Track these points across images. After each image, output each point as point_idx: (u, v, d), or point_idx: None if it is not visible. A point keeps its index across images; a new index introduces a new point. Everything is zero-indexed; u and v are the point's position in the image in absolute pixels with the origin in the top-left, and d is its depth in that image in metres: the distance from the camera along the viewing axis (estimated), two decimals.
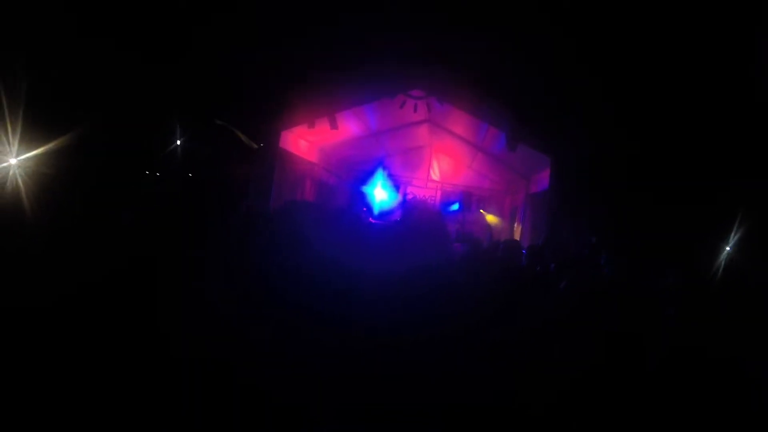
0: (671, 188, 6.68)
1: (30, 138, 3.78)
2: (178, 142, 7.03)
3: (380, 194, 13.24)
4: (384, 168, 13.58)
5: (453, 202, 13.62)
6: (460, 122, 10.91)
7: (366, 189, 13.45)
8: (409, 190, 14.32)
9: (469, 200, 13.39)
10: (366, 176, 13.62)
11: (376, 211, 12.75)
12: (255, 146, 8.77)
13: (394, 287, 2.93)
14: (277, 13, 7.56)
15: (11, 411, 1.89)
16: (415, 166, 14.37)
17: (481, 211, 13.42)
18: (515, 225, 11.98)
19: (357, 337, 2.50)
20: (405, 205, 12.42)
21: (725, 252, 4.82)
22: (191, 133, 7.18)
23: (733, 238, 4.99)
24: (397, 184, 14.02)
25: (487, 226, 12.56)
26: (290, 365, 2.23)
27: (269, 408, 2.12)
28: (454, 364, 2.56)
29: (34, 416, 1.90)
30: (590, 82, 7.54)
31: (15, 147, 3.71)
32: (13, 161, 3.72)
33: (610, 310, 3.56)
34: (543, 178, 9.10)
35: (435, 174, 14.37)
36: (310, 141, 11.77)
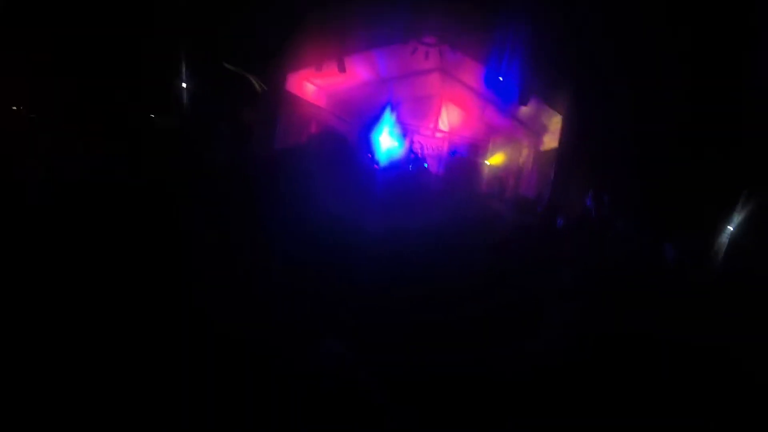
0: (688, 151, 6.54)
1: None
2: (184, 85, 6.85)
3: (386, 141, 13.03)
4: (391, 112, 13.30)
5: (459, 153, 13.44)
6: (472, 72, 10.60)
7: (372, 135, 13.22)
8: (415, 138, 14.09)
9: (476, 153, 13.21)
10: (373, 122, 13.36)
11: (381, 158, 12.59)
12: (263, 88, 8.56)
13: (399, 245, 2.88)
14: None
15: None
16: (424, 114, 14.09)
17: (487, 162, 13.23)
18: (522, 180, 11.84)
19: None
20: (416, 159, 12.27)
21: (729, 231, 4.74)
22: (197, 73, 6.99)
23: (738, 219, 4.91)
24: (404, 132, 13.77)
25: (497, 180, 12.37)
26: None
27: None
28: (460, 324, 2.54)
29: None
30: (609, 37, 7.27)
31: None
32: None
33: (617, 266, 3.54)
34: (553, 136, 8.92)
35: (443, 124, 14.11)
36: (317, 84, 11.50)
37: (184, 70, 6.60)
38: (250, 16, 7.72)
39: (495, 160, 13.29)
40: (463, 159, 13.23)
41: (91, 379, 1.90)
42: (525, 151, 12.06)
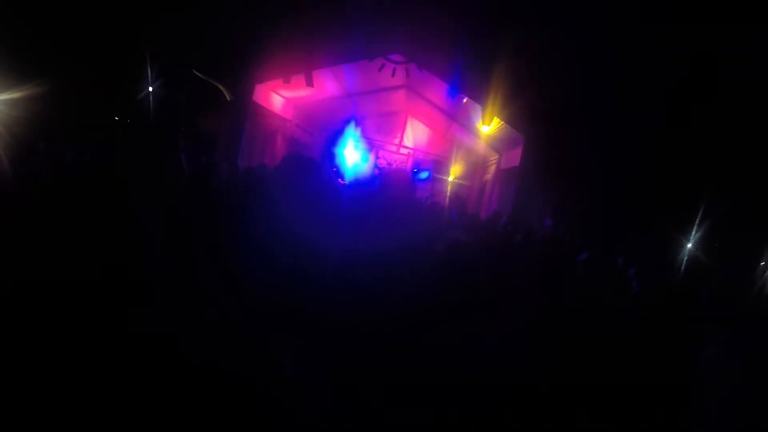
0: (650, 168, 6.83)
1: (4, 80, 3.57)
2: (150, 88, 6.76)
3: (352, 156, 13.09)
4: (357, 127, 13.40)
5: (423, 170, 13.59)
6: (437, 91, 10.81)
7: (338, 149, 13.28)
8: (380, 154, 14.21)
9: (440, 169, 13.40)
10: (339, 136, 13.42)
11: (346, 173, 12.63)
12: (230, 97, 8.53)
13: (367, 267, 2.87)
14: None
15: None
16: (389, 130, 14.25)
17: (450, 179, 13.38)
18: (485, 198, 12.06)
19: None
20: (380, 176, 12.27)
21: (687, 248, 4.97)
22: (164, 77, 6.92)
23: (696, 235, 5.16)
24: (369, 147, 13.89)
25: (458, 197, 12.53)
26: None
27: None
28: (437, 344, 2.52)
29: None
30: (569, 65, 7.56)
31: None
32: None
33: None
34: (515, 155, 9.16)
35: (408, 140, 14.29)
36: (285, 97, 11.51)
37: (151, 74, 6.52)
38: (221, 25, 7.70)
39: (458, 177, 13.50)
40: (424, 175, 13.37)
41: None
42: (489, 169, 12.31)
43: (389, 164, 13.75)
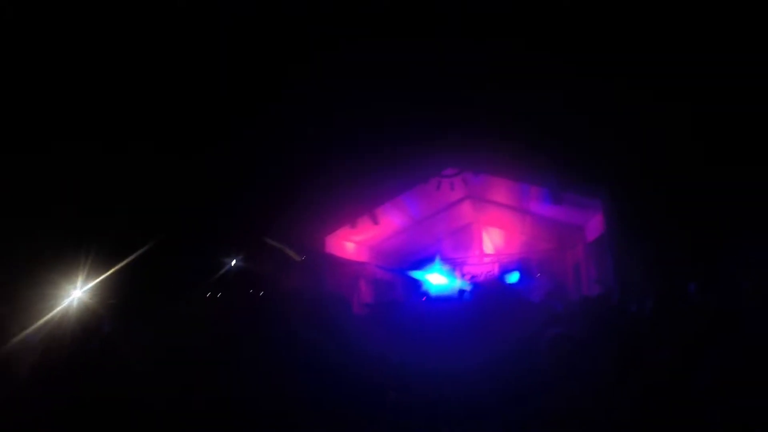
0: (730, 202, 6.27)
1: (96, 267, 3.91)
2: (233, 263, 7.27)
3: (437, 280, 12.90)
4: (436, 254, 13.35)
5: (511, 273, 13.06)
6: (499, 190, 10.74)
7: (421, 278, 13.16)
8: (465, 270, 13.93)
9: (529, 267, 12.85)
10: (419, 265, 13.38)
11: (435, 297, 12.38)
12: (299, 259, 8.86)
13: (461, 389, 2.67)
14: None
15: None
16: (466, 244, 14.08)
17: (540, 272, 12.74)
18: (582, 277, 11.28)
19: None
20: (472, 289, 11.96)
21: None
22: (244, 253, 7.40)
23: None
24: (452, 267, 13.67)
25: (555, 286, 11.79)
26: None
27: None
28: None
29: None
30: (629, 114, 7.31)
31: (82, 278, 3.84)
32: (77, 292, 3.83)
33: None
34: (597, 224, 8.67)
35: (488, 248, 14.01)
36: (356, 241, 11.78)
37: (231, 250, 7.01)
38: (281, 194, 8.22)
39: (548, 266, 12.85)
40: (514, 278, 12.84)
41: None
42: (576, 247, 11.67)
43: (473, 278, 13.37)
